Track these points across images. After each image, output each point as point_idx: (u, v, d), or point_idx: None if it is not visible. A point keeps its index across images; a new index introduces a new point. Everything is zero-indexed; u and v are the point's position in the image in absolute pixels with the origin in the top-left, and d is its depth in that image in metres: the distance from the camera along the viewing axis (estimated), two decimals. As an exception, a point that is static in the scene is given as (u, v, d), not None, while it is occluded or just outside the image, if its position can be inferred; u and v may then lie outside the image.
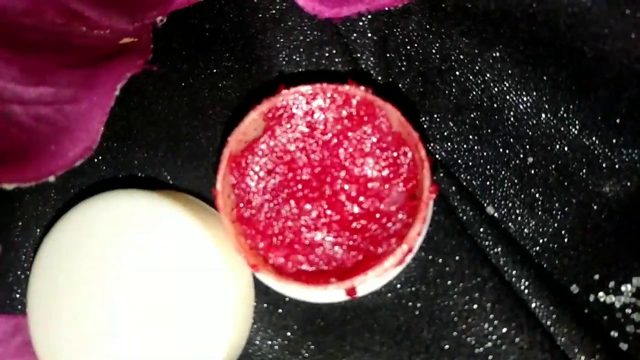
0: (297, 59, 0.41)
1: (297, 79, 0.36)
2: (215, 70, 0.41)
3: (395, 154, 0.35)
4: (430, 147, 0.41)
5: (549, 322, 0.35)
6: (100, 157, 0.38)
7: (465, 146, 0.41)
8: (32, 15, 0.36)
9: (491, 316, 0.35)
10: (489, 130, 0.41)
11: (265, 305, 0.38)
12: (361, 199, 0.35)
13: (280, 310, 0.38)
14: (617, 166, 0.39)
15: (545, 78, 0.40)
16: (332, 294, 0.33)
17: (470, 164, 0.41)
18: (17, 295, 0.39)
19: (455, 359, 0.35)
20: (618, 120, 0.39)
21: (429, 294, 0.37)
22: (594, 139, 0.40)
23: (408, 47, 0.42)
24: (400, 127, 0.35)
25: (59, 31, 0.37)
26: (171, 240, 0.34)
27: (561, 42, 0.40)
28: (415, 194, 0.34)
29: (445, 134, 0.41)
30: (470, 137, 0.41)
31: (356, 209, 0.35)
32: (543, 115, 0.40)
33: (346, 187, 0.36)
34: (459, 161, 0.41)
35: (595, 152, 0.40)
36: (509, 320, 0.35)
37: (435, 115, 0.41)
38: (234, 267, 0.35)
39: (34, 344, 0.35)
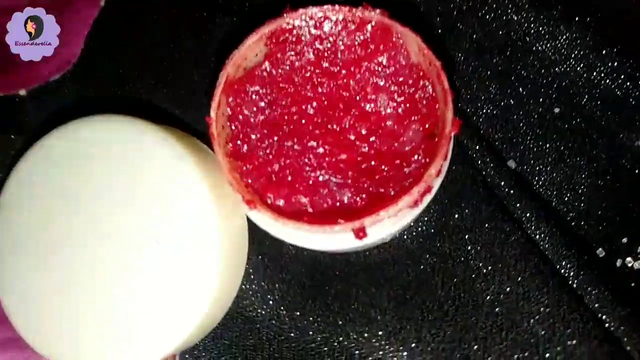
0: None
1: (305, 1, 0.32)
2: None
3: (412, 90, 0.31)
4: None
5: (575, 283, 0.32)
6: (79, 76, 0.34)
7: (486, 95, 0.37)
8: None
9: (513, 273, 0.32)
10: (512, 78, 0.37)
11: (259, 257, 0.34)
12: (372, 138, 0.31)
13: (276, 263, 0.34)
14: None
15: (576, 19, 0.36)
16: (338, 238, 0.30)
17: (491, 113, 0.37)
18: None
19: (473, 318, 0.31)
20: (655, 70, 0.36)
21: (444, 249, 0.33)
22: (627, 89, 0.36)
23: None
24: (420, 57, 0.31)
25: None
26: (156, 173, 0.30)
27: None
28: (434, 132, 0.31)
29: (465, 79, 0.38)
30: (492, 84, 0.37)
31: (366, 149, 0.31)
32: (572, 62, 0.37)
33: (356, 124, 0.32)
34: (479, 112, 0.37)
35: (628, 103, 0.36)
36: (532, 277, 0.31)
37: (455, 60, 0.38)
38: (226, 209, 0.31)
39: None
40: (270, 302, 0.33)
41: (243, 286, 0.34)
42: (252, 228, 0.33)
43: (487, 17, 0.38)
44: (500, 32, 0.38)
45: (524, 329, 0.30)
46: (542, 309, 0.30)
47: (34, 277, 0.30)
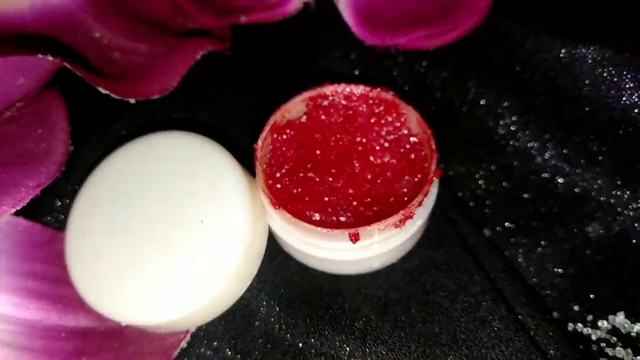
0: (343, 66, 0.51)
1: (339, 79, 0.44)
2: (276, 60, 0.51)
3: (408, 152, 0.41)
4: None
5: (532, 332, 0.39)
6: (169, 100, 0.45)
7: (474, 179, 0.47)
8: (151, 3, 0.47)
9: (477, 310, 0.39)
10: (496, 167, 0.47)
11: (270, 266, 0.43)
12: (376, 182, 0.41)
13: (282, 274, 0.42)
14: (602, 207, 0.44)
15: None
16: (338, 249, 0.38)
17: (476, 192, 0.47)
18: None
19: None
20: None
21: (424, 285, 0.41)
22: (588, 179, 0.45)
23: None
24: (418, 128, 0.41)
25: (163, 18, 0.47)
26: (209, 180, 0.39)
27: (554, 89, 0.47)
28: (422, 182, 0.40)
29: (458, 160, 0.48)
30: (480, 171, 0.47)
31: (369, 189, 0.41)
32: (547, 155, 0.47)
33: (364, 171, 0.41)
34: (466, 190, 0.47)
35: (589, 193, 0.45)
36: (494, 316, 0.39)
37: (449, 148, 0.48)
38: (255, 213, 0.39)
39: (67, 255, 0.40)
40: (271, 306, 0.41)
41: (253, 288, 0.41)
42: (269, 245, 0.42)
43: (480, 116, 0.49)
44: (489, 126, 0.49)
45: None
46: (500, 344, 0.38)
47: (102, 248, 0.39)
